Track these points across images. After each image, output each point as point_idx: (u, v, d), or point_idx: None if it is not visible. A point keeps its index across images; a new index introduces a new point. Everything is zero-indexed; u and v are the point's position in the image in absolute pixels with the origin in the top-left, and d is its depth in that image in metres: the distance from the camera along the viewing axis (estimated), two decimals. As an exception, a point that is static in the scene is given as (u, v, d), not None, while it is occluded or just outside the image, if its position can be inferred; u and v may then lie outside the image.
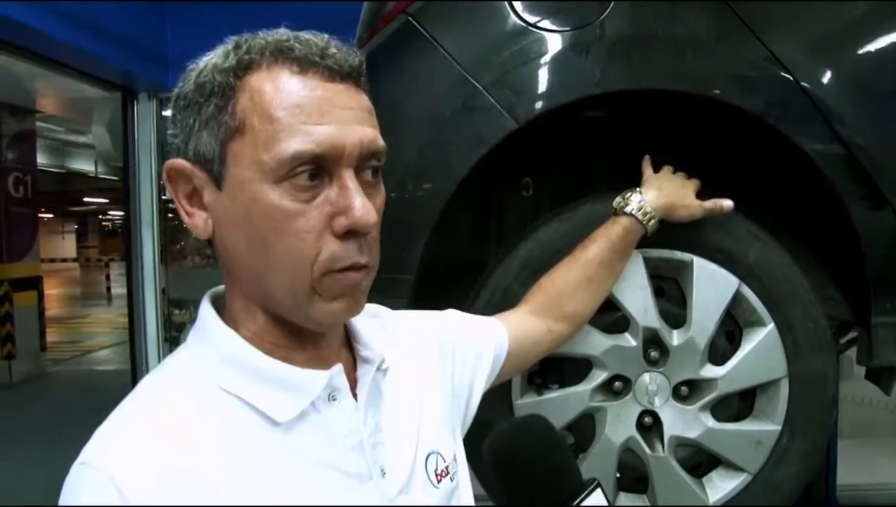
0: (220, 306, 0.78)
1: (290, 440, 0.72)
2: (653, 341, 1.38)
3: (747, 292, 1.37)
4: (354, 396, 0.78)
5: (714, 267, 1.37)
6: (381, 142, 0.72)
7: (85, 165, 12.38)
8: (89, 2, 3.69)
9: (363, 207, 0.68)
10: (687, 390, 1.40)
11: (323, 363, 0.77)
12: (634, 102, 1.39)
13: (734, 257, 1.37)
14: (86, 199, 20.00)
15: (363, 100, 0.74)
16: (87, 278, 20.30)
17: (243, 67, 0.70)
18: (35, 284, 7.58)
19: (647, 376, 1.38)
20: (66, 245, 24.40)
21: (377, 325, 0.89)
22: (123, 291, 5.01)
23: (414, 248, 1.35)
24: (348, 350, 0.83)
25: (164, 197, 4.64)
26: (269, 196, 0.68)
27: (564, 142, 1.57)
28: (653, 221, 1.29)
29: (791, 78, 1.31)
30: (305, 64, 0.69)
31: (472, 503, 0.90)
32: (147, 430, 0.68)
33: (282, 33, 0.72)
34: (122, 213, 5.74)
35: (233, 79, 0.70)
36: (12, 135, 7.16)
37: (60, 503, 0.66)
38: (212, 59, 0.72)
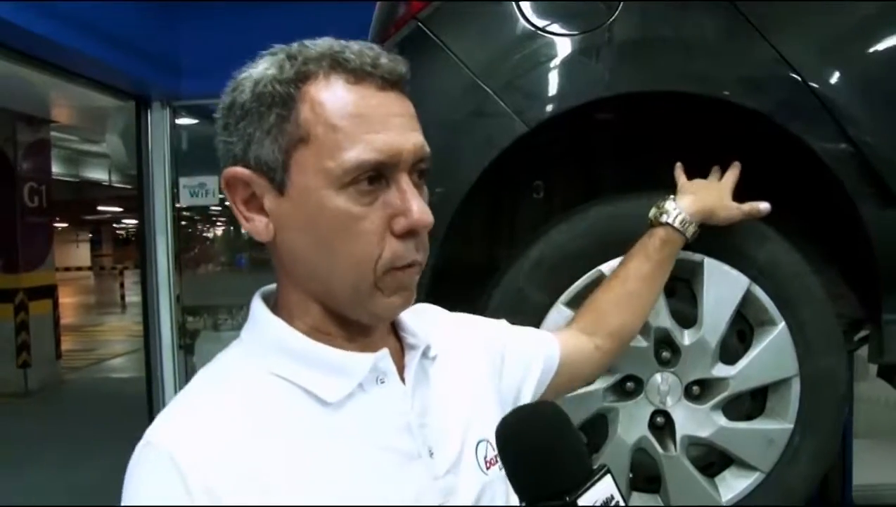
0: (269, 303, 0.82)
1: (339, 420, 0.76)
2: (664, 341, 1.39)
3: (758, 292, 1.38)
4: (402, 380, 0.82)
5: (725, 267, 1.38)
6: (427, 148, 0.78)
7: (99, 174, 12.44)
8: (102, 10, 3.73)
9: (420, 208, 0.75)
10: (699, 390, 1.40)
11: (370, 349, 0.80)
12: (644, 104, 1.40)
13: (745, 256, 1.38)
14: (100, 207, 20.09)
15: (410, 106, 0.78)
16: (102, 287, 20.48)
17: (302, 78, 0.74)
18: (50, 292, 7.67)
19: (658, 376, 1.39)
20: (81, 254, 24.58)
21: (426, 318, 0.92)
22: (137, 298, 5.05)
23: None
24: (395, 339, 0.86)
25: (177, 205, 4.66)
26: (334, 202, 0.73)
27: (575, 145, 1.58)
28: (691, 228, 1.27)
29: (799, 78, 1.32)
30: (360, 74, 0.74)
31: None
32: (204, 411, 0.73)
33: (332, 43, 0.75)
34: (135, 221, 5.77)
35: (293, 89, 0.73)
36: (28, 145, 7.25)
37: (126, 480, 0.70)
38: (268, 69, 0.75)
